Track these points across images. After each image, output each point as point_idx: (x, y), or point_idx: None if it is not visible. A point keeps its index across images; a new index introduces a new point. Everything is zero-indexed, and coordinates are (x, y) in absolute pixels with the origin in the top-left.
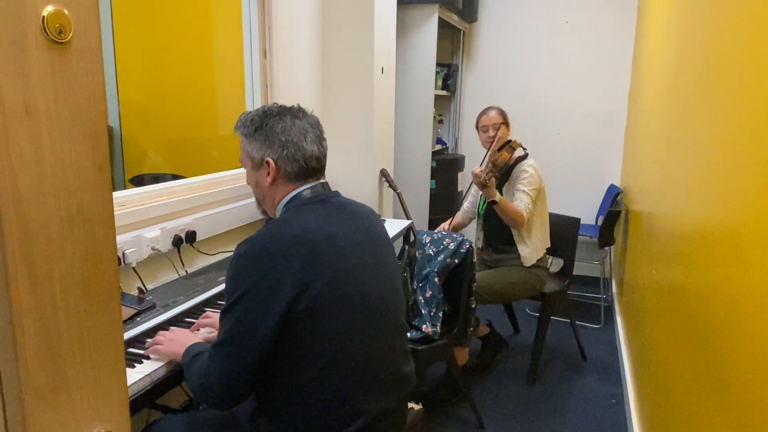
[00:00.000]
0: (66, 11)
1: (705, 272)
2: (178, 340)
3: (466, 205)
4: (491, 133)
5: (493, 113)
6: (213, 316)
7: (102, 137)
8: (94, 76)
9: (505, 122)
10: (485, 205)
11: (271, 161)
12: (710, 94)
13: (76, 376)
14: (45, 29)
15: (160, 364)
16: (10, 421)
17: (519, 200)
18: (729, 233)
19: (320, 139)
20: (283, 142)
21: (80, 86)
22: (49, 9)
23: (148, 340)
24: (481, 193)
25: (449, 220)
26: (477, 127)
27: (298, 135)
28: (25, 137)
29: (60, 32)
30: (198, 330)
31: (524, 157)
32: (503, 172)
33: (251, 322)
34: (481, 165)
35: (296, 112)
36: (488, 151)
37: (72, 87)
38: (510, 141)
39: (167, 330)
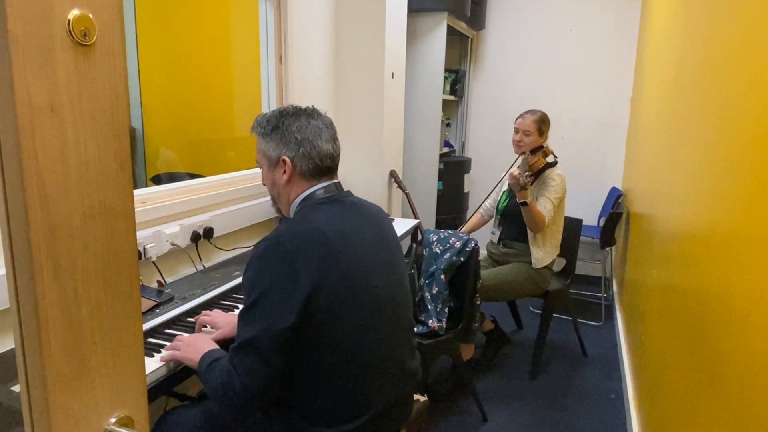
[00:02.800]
0: (91, 15)
1: (703, 272)
2: (196, 345)
3: (488, 203)
4: (518, 137)
5: (528, 119)
6: (211, 314)
7: (124, 136)
8: (117, 77)
9: (539, 131)
10: (506, 203)
11: (287, 159)
12: (709, 99)
13: (97, 363)
14: (71, 32)
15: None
16: (34, 405)
17: (542, 206)
18: (727, 235)
19: (334, 139)
20: (298, 140)
21: (103, 86)
22: (74, 13)
23: (167, 333)
24: (502, 193)
25: (464, 226)
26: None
27: (313, 134)
28: (51, 135)
29: (85, 35)
30: (203, 329)
31: (553, 164)
32: (535, 176)
33: (273, 319)
34: (516, 167)
35: (311, 113)
36: (518, 155)
37: (95, 87)
38: (542, 147)
39: (183, 327)
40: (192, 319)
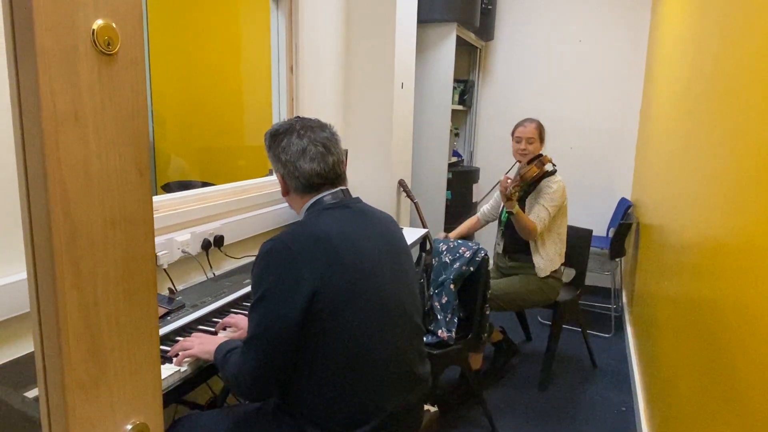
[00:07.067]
0: (114, 25)
1: (715, 283)
2: (208, 340)
3: (486, 208)
4: (523, 145)
5: (530, 127)
6: (236, 317)
7: (144, 143)
8: (138, 85)
9: (540, 138)
10: (506, 213)
11: (279, 176)
12: (719, 109)
13: (114, 369)
14: (95, 41)
15: (189, 361)
16: (53, 411)
17: (536, 214)
18: (740, 245)
19: (323, 155)
20: (283, 161)
21: (125, 95)
22: (99, 22)
23: (178, 340)
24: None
25: (455, 231)
26: (512, 135)
27: (296, 155)
28: (74, 142)
29: (108, 44)
30: (223, 329)
31: (553, 172)
32: (530, 184)
33: (277, 314)
34: (510, 174)
35: (299, 130)
36: (519, 163)
37: (118, 95)
38: (540, 155)
39: (190, 335)
40: (203, 327)
